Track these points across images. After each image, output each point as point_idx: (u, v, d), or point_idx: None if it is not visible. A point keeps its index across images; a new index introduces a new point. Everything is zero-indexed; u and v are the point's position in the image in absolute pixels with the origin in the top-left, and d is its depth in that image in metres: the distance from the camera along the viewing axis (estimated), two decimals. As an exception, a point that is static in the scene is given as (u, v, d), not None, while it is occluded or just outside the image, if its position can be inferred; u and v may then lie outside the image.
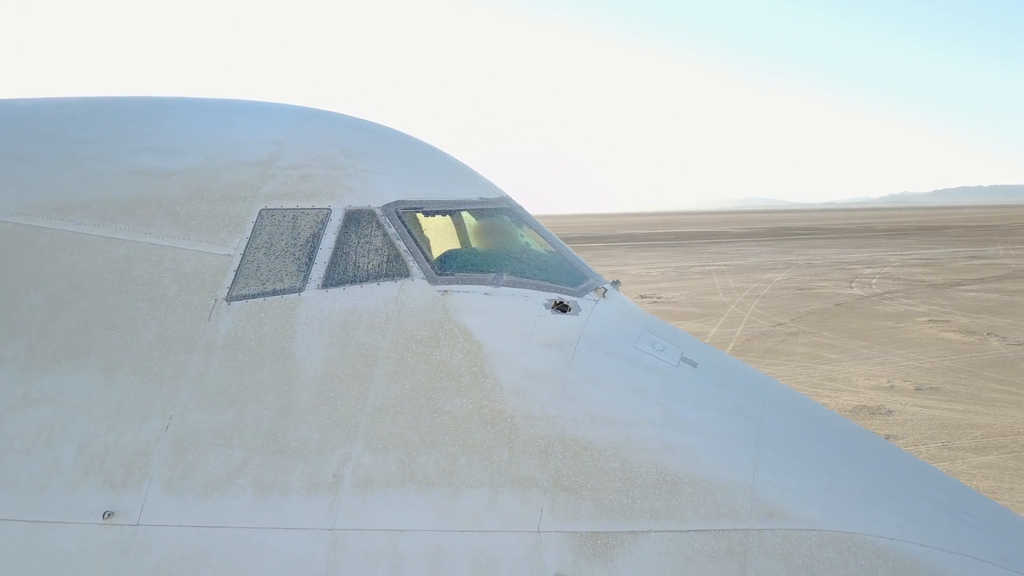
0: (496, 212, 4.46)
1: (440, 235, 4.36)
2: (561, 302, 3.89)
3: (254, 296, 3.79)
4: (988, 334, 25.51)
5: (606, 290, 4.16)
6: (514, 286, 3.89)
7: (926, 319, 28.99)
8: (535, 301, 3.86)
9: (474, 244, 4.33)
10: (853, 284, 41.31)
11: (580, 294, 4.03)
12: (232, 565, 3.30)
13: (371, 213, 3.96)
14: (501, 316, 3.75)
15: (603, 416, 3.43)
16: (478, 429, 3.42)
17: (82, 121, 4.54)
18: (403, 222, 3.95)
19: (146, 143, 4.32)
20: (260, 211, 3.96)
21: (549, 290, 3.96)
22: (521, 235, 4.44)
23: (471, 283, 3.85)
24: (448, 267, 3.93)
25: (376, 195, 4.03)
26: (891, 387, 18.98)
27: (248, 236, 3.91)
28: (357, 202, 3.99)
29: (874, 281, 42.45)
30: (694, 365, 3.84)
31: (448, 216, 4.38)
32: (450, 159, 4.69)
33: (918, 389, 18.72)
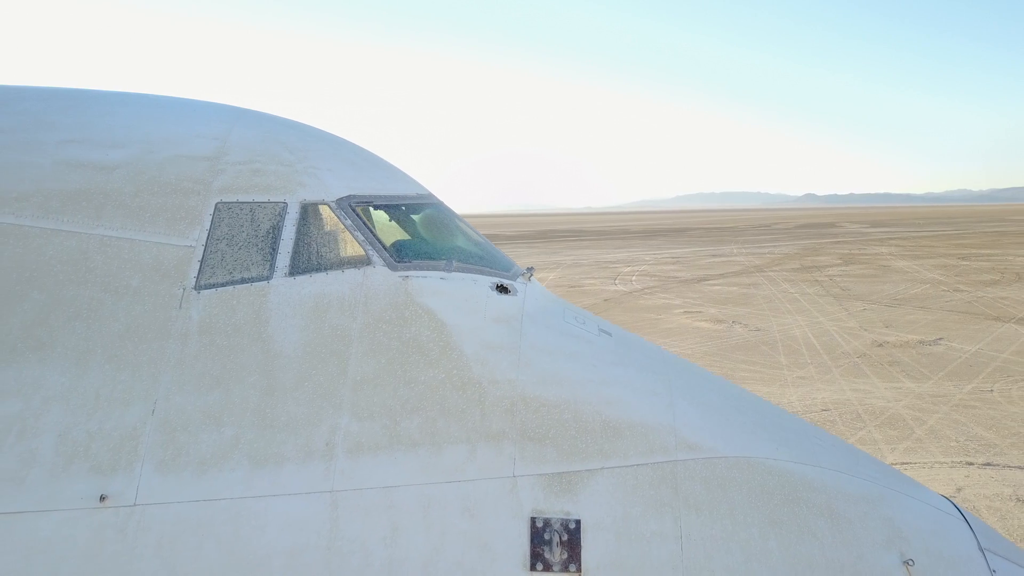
0: (430, 207, 4.91)
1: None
2: (503, 285, 4.46)
3: (223, 285, 3.94)
4: (733, 322, 29.43)
5: (530, 276, 4.81)
6: (463, 271, 4.39)
7: (682, 311, 32.71)
8: (482, 284, 4.39)
9: (422, 235, 4.73)
10: (616, 281, 45.33)
11: (513, 278, 4.63)
12: (237, 531, 3.49)
13: (326, 206, 4.26)
14: (457, 297, 4.24)
15: (553, 378, 4.07)
16: (451, 394, 3.90)
17: None
18: (357, 214, 4.29)
19: (71, 135, 4.22)
20: (216, 204, 4.09)
21: (491, 275, 4.51)
22: (455, 228, 4.94)
23: (427, 269, 4.28)
24: (404, 255, 4.33)
25: (327, 190, 4.32)
26: (664, 370, 21.47)
27: (208, 228, 4.04)
28: (311, 196, 4.26)
29: (634, 278, 46.89)
30: (610, 335, 4.62)
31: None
32: (379, 158, 5.02)
33: (685, 371, 21.38)
